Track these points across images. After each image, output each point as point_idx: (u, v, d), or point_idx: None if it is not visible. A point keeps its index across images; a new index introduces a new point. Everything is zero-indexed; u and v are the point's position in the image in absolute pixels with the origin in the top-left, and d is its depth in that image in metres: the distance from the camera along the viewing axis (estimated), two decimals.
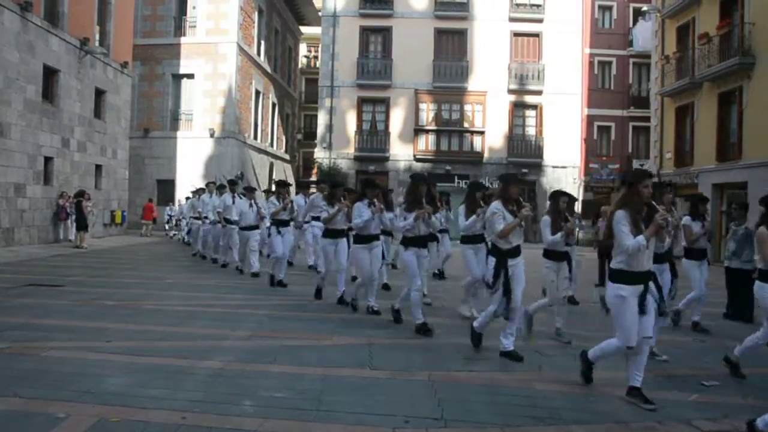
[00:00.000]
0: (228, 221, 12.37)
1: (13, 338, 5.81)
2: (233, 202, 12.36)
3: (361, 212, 7.39)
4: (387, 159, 28.42)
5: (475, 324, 6.00)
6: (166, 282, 10.67)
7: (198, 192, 15.79)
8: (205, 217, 14.11)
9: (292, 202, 10.60)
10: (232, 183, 13.40)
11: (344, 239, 8.34)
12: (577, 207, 18.20)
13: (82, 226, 17.31)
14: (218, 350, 5.66)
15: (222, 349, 5.70)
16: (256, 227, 11.64)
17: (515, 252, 5.75)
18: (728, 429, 4.02)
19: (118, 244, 19.23)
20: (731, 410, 4.38)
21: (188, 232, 17.89)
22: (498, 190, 6.10)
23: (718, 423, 4.12)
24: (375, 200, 7.53)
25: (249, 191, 12.04)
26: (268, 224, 11.18)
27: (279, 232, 10.25)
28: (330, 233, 8.34)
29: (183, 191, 24.73)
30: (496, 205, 5.73)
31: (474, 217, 7.15)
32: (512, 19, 28.46)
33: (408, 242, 6.84)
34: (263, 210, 11.49)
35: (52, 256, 14.38)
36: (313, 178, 30.32)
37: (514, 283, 5.64)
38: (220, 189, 13.85)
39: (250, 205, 11.48)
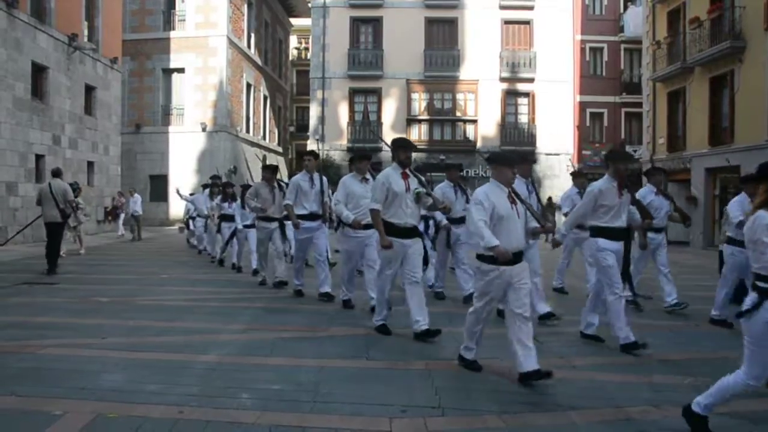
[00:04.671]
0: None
1: (8, 337, 5.79)
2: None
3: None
4: (380, 149, 28.35)
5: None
6: (160, 278, 10.63)
7: (270, 170, 9.51)
8: (307, 216, 7.96)
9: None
10: (364, 157, 7.27)
11: None
12: None
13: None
14: (214, 344, 5.65)
15: (218, 343, 5.69)
16: (418, 232, 6.05)
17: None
18: (725, 411, 4.03)
19: (112, 240, 19.14)
20: None
21: (228, 239, 11.91)
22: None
23: None
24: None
25: (243, 188, 10.55)
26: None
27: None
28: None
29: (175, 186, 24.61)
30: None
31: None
32: (503, 7, 28.42)
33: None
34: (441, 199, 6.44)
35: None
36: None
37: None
38: (359, 161, 7.19)
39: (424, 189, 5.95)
